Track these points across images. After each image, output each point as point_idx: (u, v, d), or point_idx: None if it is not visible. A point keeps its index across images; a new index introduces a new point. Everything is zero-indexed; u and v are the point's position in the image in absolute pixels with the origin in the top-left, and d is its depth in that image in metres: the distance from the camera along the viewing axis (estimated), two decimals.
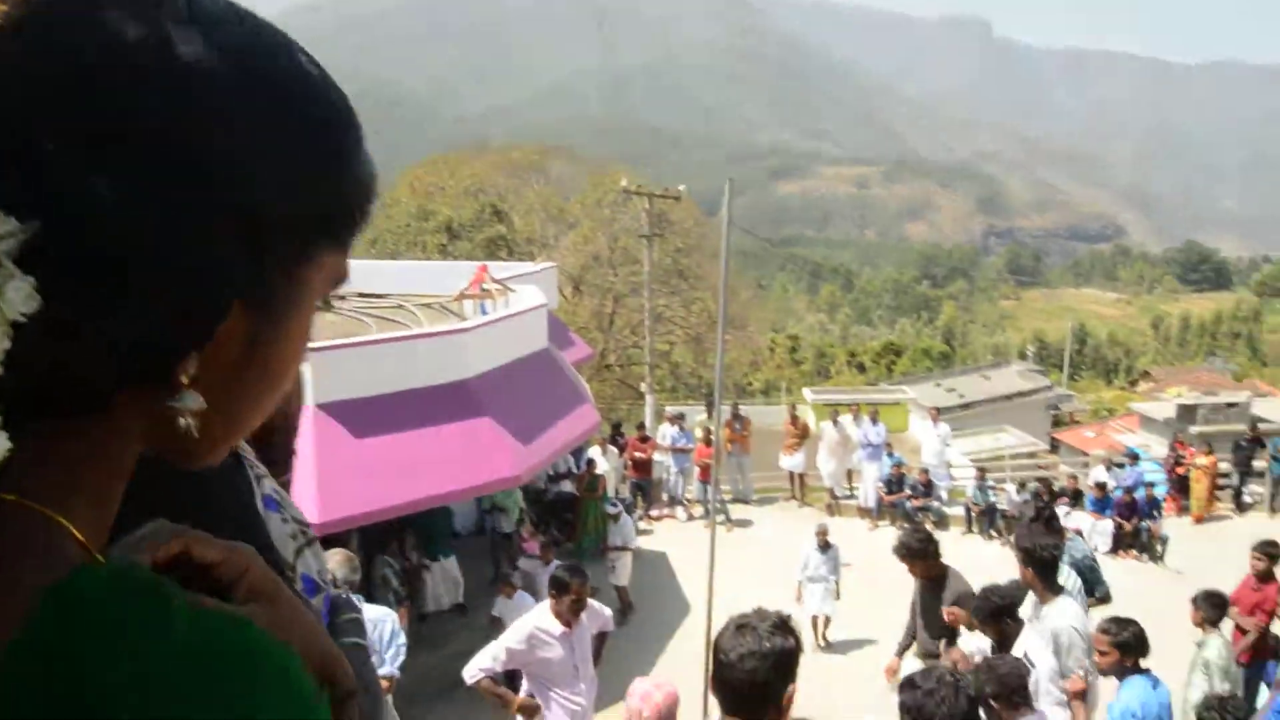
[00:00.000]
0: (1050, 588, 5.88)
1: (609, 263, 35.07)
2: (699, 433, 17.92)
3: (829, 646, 12.41)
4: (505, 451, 11.11)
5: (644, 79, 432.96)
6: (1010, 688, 4.48)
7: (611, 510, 13.65)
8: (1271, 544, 8.35)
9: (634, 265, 31.35)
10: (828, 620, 12.39)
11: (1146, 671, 5.28)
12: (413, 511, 10.59)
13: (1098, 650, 5.41)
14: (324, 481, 9.70)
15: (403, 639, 6.06)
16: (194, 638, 0.55)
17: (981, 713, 4.58)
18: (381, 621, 6.06)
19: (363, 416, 10.41)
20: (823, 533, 12.39)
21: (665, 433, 18.13)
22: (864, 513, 18.09)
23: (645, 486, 17.96)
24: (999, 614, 5.73)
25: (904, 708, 2.95)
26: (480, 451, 10.95)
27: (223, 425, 0.64)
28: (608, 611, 6.80)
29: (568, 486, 15.88)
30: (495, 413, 11.32)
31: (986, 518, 17.45)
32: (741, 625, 2.73)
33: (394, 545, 11.93)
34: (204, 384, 0.60)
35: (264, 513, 1.00)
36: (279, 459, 1.22)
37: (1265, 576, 8.33)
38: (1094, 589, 8.18)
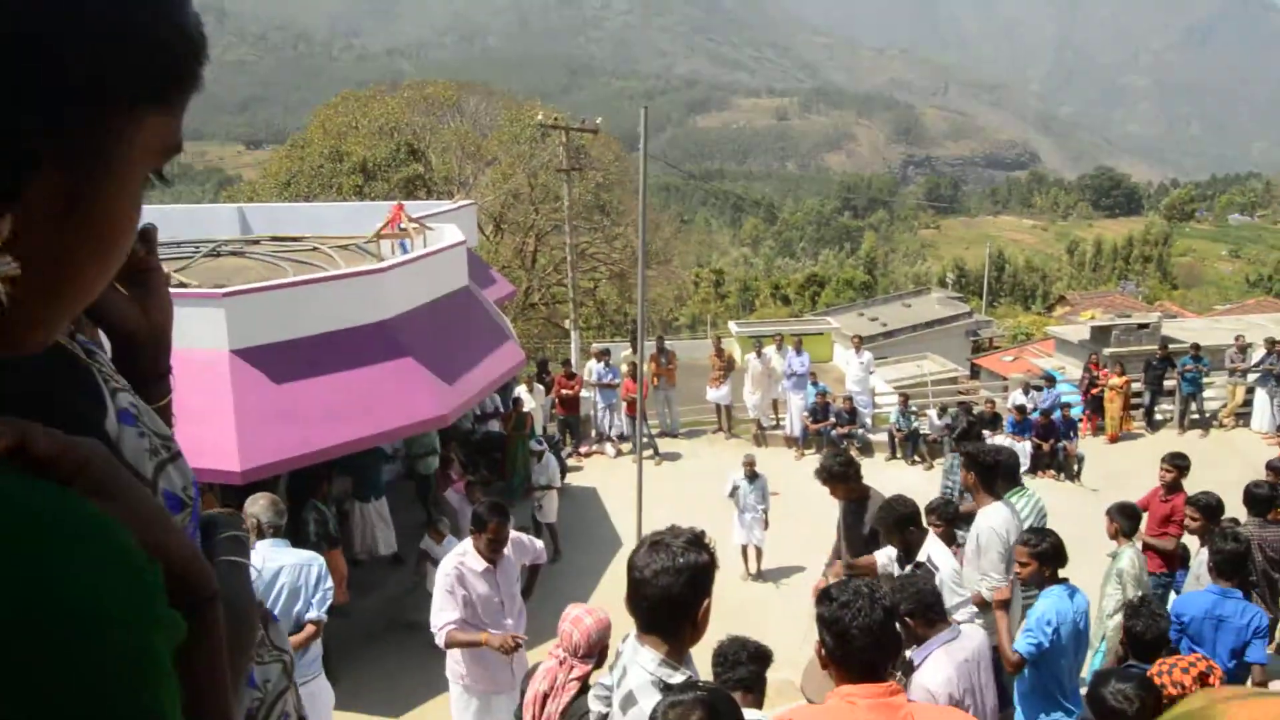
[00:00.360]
0: (989, 491, 6.30)
1: (530, 200, 34.70)
2: (625, 368, 17.93)
3: (761, 576, 12.62)
4: (429, 392, 10.98)
5: (548, 11, 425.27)
6: (925, 603, 4.58)
7: (536, 448, 13.62)
8: (1179, 456, 8.60)
9: (555, 202, 31.05)
10: (759, 550, 12.58)
11: (1064, 582, 5.43)
12: (338, 456, 10.43)
13: (1018, 561, 5.56)
14: (244, 428, 9.51)
15: (329, 583, 5.95)
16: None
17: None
18: (307, 565, 5.93)
19: (281, 361, 10.19)
20: (750, 463, 12.52)
21: (591, 369, 18.09)
22: (790, 442, 18.32)
23: (573, 423, 17.96)
24: (903, 523, 5.85)
25: (821, 620, 2.98)
26: (404, 392, 10.80)
27: (43, 299, 0.60)
28: (538, 544, 6.82)
29: (495, 426, 15.80)
30: (417, 353, 11.16)
31: (909, 443, 17.79)
32: (655, 542, 2.72)
33: (323, 489, 11.79)
34: (20, 250, 0.55)
35: (118, 426, 0.95)
36: (149, 377, 1.15)
37: (1173, 488, 8.60)
38: None
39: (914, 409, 18.57)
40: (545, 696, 4.57)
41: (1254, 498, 7.39)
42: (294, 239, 15.83)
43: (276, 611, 5.88)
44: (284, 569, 5.87)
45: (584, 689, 4.46)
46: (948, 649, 4.49)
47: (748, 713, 3.78)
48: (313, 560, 5.90)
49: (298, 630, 5.88)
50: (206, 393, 9.68)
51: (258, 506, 5.93)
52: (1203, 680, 4.35)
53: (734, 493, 12.45)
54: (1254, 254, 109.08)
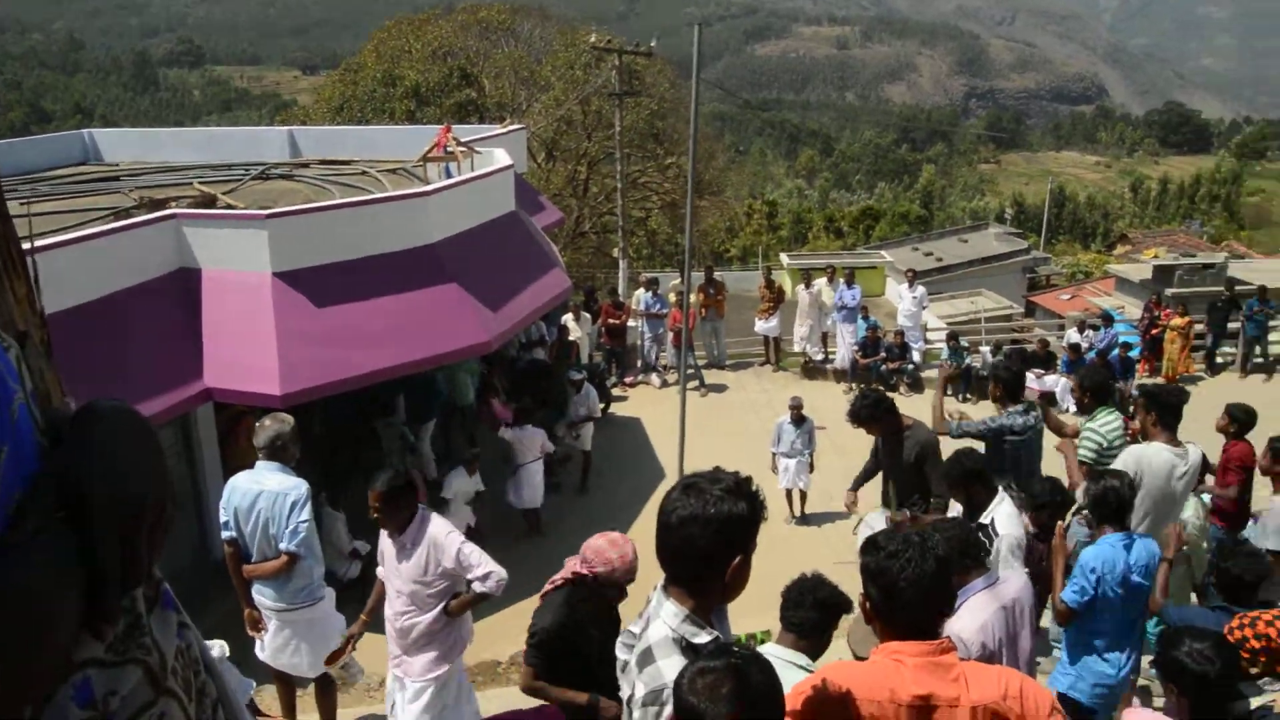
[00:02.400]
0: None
1: (582, 127, 34.29)
2: (673, 298, 17.73)
3: (805, 519, 12.46)
4: (473, 318, 10.89)
5: None
6: (960, 549, 4.37)
7: (575, 378, 13.53)
8: (1238, 408, 8.24)
9: (608, 130, 30.60)
10: (803, 494, 12.41)
11: (1126, 532, 5.18)
12: (380, 380, 10.40)
13: None
14: (285, 351, 9.50)
15: (304, 515, 5.65)
16: None
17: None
18: (284, 494, 5.67)
19: (324, 284, 10.14)
20: (797, 406, 12.29)
21: (639, 298, 17.91)
22: (839, 376, 18.09)
23: (619, 353, 17.84)
24: (969, 478, 5.64)
25: (866, 571, 2.74)
26: (447, 318, 10.72)
27: None
28: (486, 571, 5.39)
29: (540, 354, 15.71)
30: (461, 278, 11.06)
31: (961, 380, 17.47)
32: (690, 485, 2.47)
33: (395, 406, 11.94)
34: None
35: None
36: None
37: (1234, 436, 8.27)
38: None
39: (965, 345, 18.23)
40: None
41: None
42: (342, 162, 15.75)
43: (253, 538, 5.82)
44: (262, 494, 5.70)
45: (572, 585, 4.49)
46: (984, 596, 4.34)
47: (784, 654, 3.66)
48: (290, 490, 5.67)
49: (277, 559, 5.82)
50: (248, 315, 9.66)
51: (265, 423, 5.81)
52: None
53: (778, 440, 12.26)
54: None
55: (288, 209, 10.39)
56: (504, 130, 16.73)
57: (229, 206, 11.65)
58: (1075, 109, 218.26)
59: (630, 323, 17.88)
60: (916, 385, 17.71)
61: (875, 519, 6.56)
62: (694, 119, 7.81)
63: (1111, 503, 5.14)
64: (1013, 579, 4.59)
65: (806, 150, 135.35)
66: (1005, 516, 5.53)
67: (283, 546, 5.75)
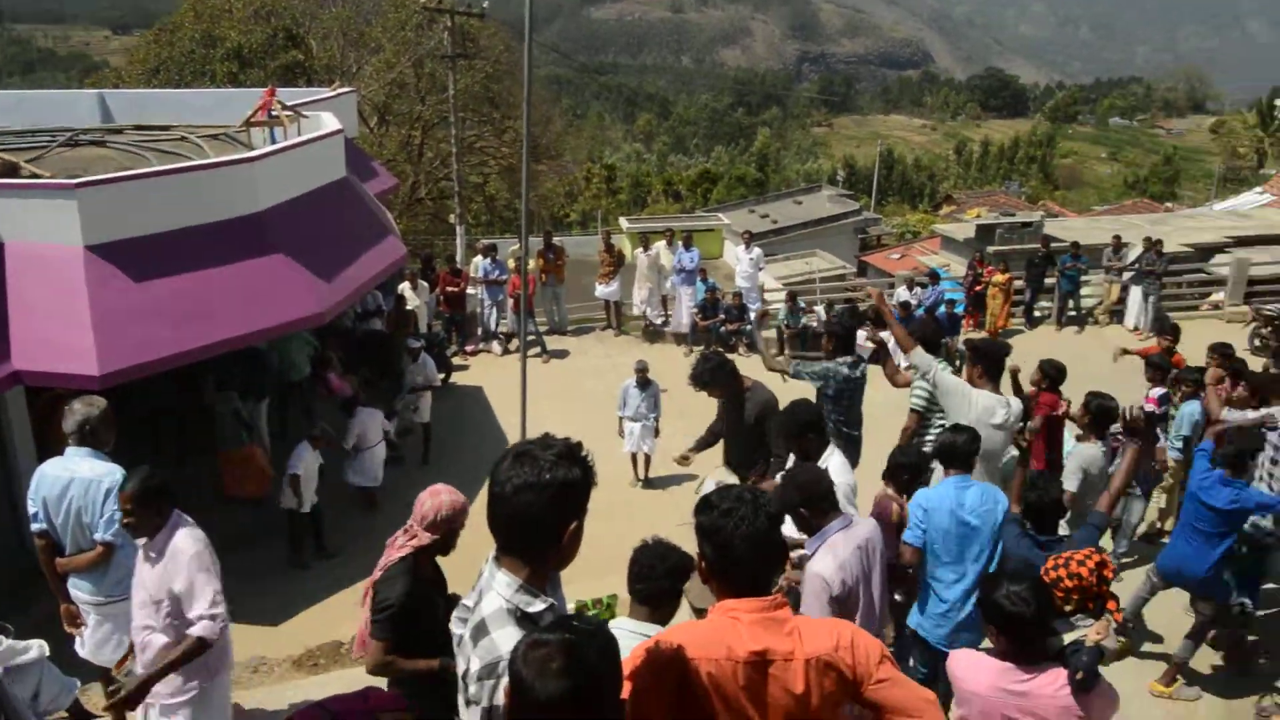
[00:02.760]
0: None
1: (415, 90, 33.55)
2: (512, 264, 17.59)
3: (649, 483, 12.59)
4: (304, 288, 10.55)
5: None
6: (817, 493, 4.56)
7: (413, 345, 13.30)
8: (1051, 363, 8.67)
9: (442, 93, 30.01)
10: (648, 458, 12.51)
11: (965, 476, 5.48)
12: (208, 356, 9.98)
13: None
14: (102, 329, 9.00)
15: (114, 505, 5.24)
16: None
17: (792, 525, 4.69)
18: (97, 481, 5.36)
19: (143, 257, 9.63)
20: (642, 370, 12.37)
21: (477, 265, 17.69)
22: (679, 338, 18.31)
23: (459, 321, 17.61)
24: (803, 429, 5.78)
25: (701, 530, 2.77)
26: (276, 289, 10.35)
27: None
28: (205, 620, 4.81)
29: (378, 324, 15.38)
30: (291, 248, 10.69)
31: (798, 339, 17.92)
32: (522, 453, 2.46)
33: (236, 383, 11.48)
34: None
35: None
36: None
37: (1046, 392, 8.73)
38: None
39: (803, 305, 18.69)
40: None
41: None
42: (160, 128, 14.97)
43: (66, 529, 5.52)
44: (74, 482, 5.41)
45: (414, 557, 4.43)
46: (841, 536, 4.49)
47: (637, 627, 3.69)
48: (104, 476, 5.35)
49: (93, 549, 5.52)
50: (59, 291, 9.12)
51: (74, 406, 5.48)
52: (1100, 571, 4.41)
53: (624, 404, 12.32)
54: (1131, 157, 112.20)
55: (100, 178, 9.80)
56: (333, 94, 16.20)
57: (34, 175, 10.94)
58: (902, 74, 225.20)
59: (469, 290, 17.65)
60: (754, 345, 18.08)
61: (717, 478, 6.66)
62: (527, 81, 7.71)
63: (950, 450, 5.49)
64: (864, 522, 4.77)
65: (644, 114, 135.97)
66: (837, 466, 5.71)
67: (98, 536, 5.45)
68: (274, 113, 12.83)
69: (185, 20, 33.22)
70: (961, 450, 5.51)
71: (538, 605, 2.48)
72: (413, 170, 33.47)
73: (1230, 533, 6.37)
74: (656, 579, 3.81)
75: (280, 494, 10.49)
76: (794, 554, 5.05)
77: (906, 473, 6.10)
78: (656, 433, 12.35)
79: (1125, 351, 11.67)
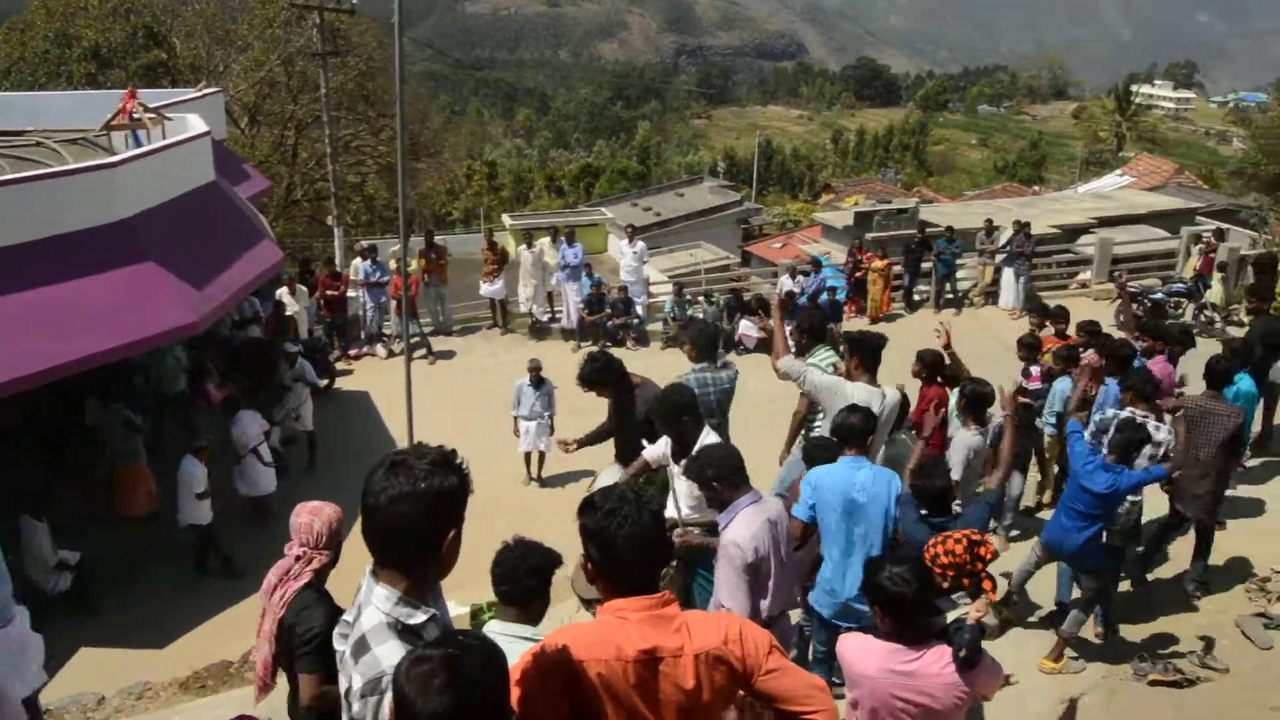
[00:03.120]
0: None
1: (287, 89, 32.69)
2: (393, 265, 17.32)
3: (544, 481, 12.53)
4: (175, 298, 10.20)
5: None
6: (729, 468, 4.69)
7: (290, 349, 12.98)
8: (929, 351, 8.84)
9: (315, 92, 29.30)
10: (542, 455, 12.45)
11: (859, 457, 5.60)
12: (74, 372, 9.56)
13: None
14: None
15: None
16: None
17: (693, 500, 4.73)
18: None
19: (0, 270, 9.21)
20: (535, 368, 12.28)
21: (357, 267, 17.37)
22: (567, 335, 18.28)
23: (341, 325, 17.27)
24: (676, 412, 5.82)
25: (585, 531, 2.75)
26: (146, 300, 9.99)
27: None
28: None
29: (256, 331, 14.98)
30: (160, 256, 10.33)
31: (688, 332, 18.00)
32: (396, 463, 2.42)
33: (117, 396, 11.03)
34: None
35: None
36: None
37: (925, 381, 8.90)
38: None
39: (689, 297, 18.82)
40: (274, 589, 4.52)
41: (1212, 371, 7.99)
42: (14, 133, 14.30)
43: None
44: None
45: (316, 579, 4.47)
46: (751, 510, 4.63)
47: (507, 629, 3.65)
48: None
49: None
50: None
51: None
52: (974, 549, 4.54)
53: (518, 403, 12.23)
54: (1000, 143, 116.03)
55: None
56: (198, 94, 15.72)
57: None
58: (778, 65, 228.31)
59: (350, 293, 17.34)
60: (643, 339, 18.15)
61: (611, 474, 6.65)
62: (399, 76, 7.59)
63: (846, 430, 5.63)
64: (772, 500, 4.95)
65: (523, 109, 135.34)
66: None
67: None
68: (136, 115, 12.38)
69: (37, 19, 31.69)
70: (857, 430, 5.63)
71: (419, 617, 2.45)
72: (287, 172, 32.63)
73: (1104, 516, 6.63)
74: (520, 579, 3.77)
75: (186, 510, 10.17)
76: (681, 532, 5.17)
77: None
78: (551, 430, 12.27)
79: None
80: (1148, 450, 7.19)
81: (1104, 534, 6.72)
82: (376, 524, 2.41)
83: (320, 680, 4.24)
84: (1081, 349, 9.68)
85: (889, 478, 5.58)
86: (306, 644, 4.28)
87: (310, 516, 4.46)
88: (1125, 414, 7.32)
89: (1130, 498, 6.98)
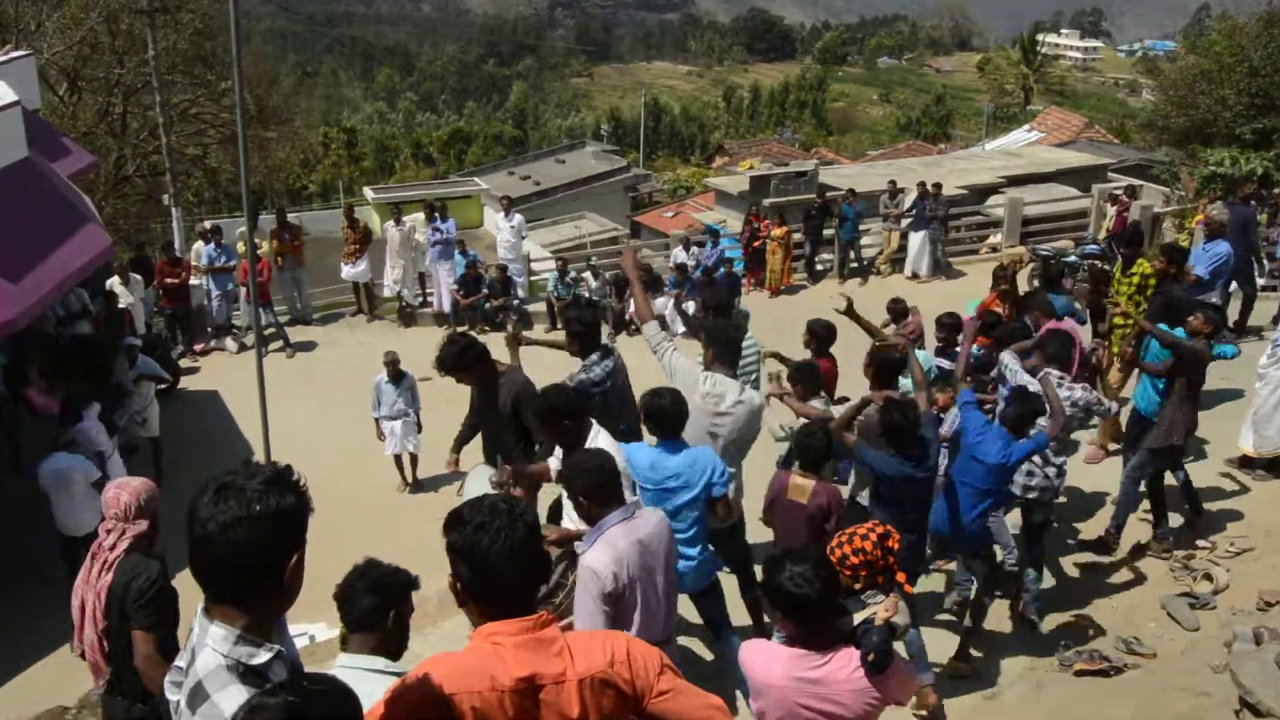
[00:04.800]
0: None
1: (112, 50, 31.51)
2: (241, 248, 16.86)
3: (419, 485, 12.31)
4: None
5: None
6: (599, 481, 4.56)
7: (130, 343, 12.56)
8: (819, 322, 8.92)
9: (144, 53, 28.32)
10: (414, 458, 12.23)
11: (673, 440, 5.74)
12: None
13: None
14: None
15: None
16: None
17: (571, 513, 4.67)
18: None
19: None
20: (392, 361, 11.97)
21: (200, 251, 16.87)
22: (440, 319, 18.06)
23: (183, 317, 16.78)
24: (556, 413, 5.78)
25: (454, 550, 2.68)
26: None
27: None
28: None
29: (85, 328, 14.43)
30: None
31: (572, 309, 17.92)
32: (224, 486, 2.32)
33: None
34: None
35: None
36: None
37: (816, 352, 9.00)
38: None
39: (573, 274, 18.74)
40: (90, 569, 4.70)
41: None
42: None
43: None
44: None
45: (134, 548, 4.62)
46: (620, 529, 4.50)
47: (357, 661, 3.54)
48: None
49: None
50: None
51: None
52: (884, 543, 4.57)
53: (378, 402, 11.99)
54: (903, 98, 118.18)
55: None
56: (5, 57, 15.00)
57: None
58: (663, 17, 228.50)
59: (193, 281, 16.85)
60: (525, 321, 18.02)
61: (479, 476, 6.55)
62: (235, 33, 7.30)
63: (655, 413, 5.72)
64: (649, 515, 4.79)
65: (384, 69, 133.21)
66: (606, 442, 5.81)
67: None
68: None
69: None
70: (669, 413, 5.69)
71: (263, 656, 2.35)
72: (116, 144, 31.45)
73: (997, 489, 6.77)
74: (360, 598, 3.68)
75: (72, 514, 9.73)
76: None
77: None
78: (419, 428, 12.06)
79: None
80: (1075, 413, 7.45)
81: (991, 512, 6.90)
82: (208, 556, 2.31)
83: (156, 642, 4.32)
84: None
85: (706, 465, 5.70)
86: (140, 597, 4.38)
87: (117, 490, 4.65)
88: (1029, 382, 7.54)
89: (1049, 470, 7.18)
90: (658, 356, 6.71)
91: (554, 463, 6.20)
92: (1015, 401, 6.94)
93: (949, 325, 9.81)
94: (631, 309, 17.34)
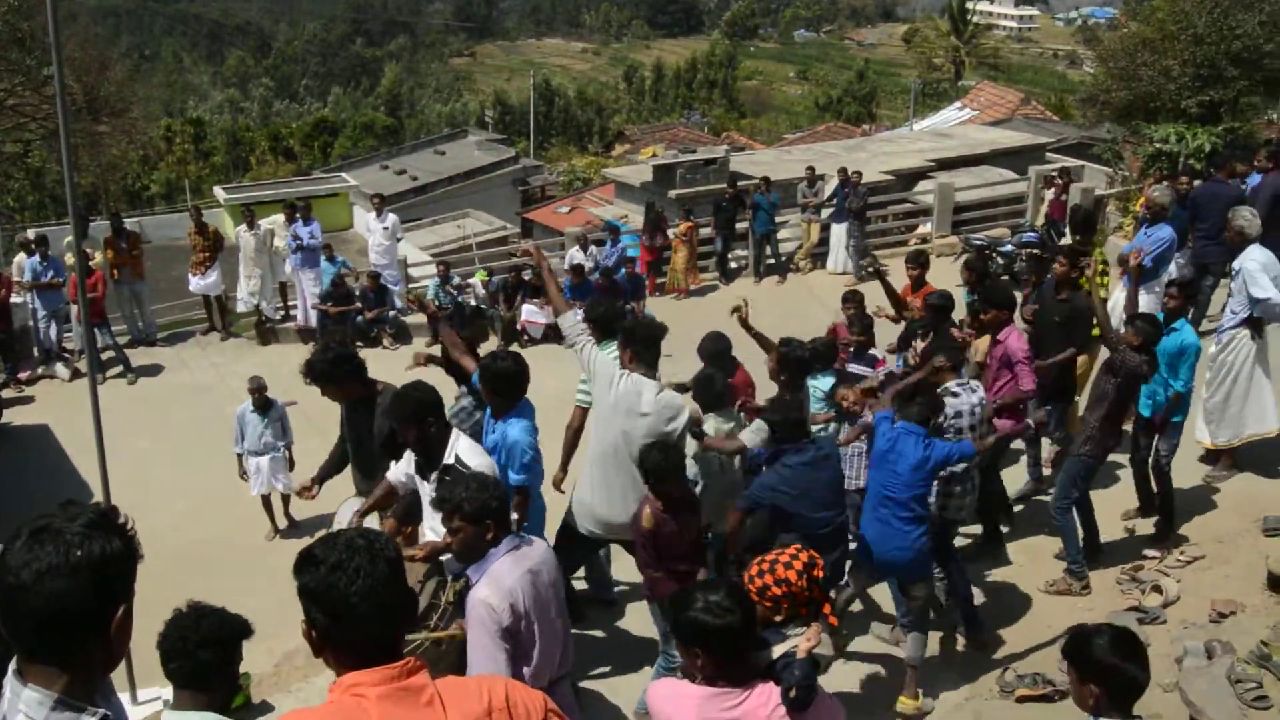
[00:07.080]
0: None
1: None
2: (70, 259, 16.55)
3: (295, 527, 12.07)
4: None
5: None
6: (486, 505, 4.57)
7: None
8: (710, 337, 8.95)
9: None
10: (285, 498, 11.99)
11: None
12: None
13: None
14: None
15: None
16: None
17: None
18: None
19: None
20: (258, 389, 11.63)
21: (22, 265, 16.54)
22: (305, 335, 17.92)
23: (6, 340, 16.43)
24: (419, 414, 5.82)
25: (307, 593, 2.66)
26: None
27: None
28: None
29: None
30: None
31: (455, 321, 17.90)
32: (39, 530, 2.27)
33: None
34: None
35: None
36: None
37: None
38: None
39: (457, 280, 18.69)
40: None
41: None
42: None
43: None
44: None
45: None
46: (508, 560, 4.57)
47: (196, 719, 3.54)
48: None
49: None
50: None
51: None
52: (809, 572, 4.64)
53: (242, 436, 11.72)
54: (823, 74, 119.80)
55: None
56: None
57: None
58: None
59: (15, 298, 16.53)
60: (402, 334, 17.93)
61: (350, 511, 6.54)
62: (52, 8, 7.17)
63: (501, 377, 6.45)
64: (537, 544, 4.88)
65: (235, 52, 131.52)
66: (468, 449, 5.90)
67: None
68: None
69: None
70: (512, 375, 6.45)
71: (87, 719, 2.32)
72: None
73: (924, 496, 6.93)
74: (192, 653, 3.68)
75: None
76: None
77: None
78: (291, 464, 11.80)
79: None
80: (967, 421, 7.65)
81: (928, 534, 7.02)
82: (21, 609, 2.26)
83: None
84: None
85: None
86: None
87: None
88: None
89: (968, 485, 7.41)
90: (575, 350, 6.86)
91: (395, 474, 6.22)
92: (917, 396, 7.10)
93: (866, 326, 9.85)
94: (524, 317, 17.40)
